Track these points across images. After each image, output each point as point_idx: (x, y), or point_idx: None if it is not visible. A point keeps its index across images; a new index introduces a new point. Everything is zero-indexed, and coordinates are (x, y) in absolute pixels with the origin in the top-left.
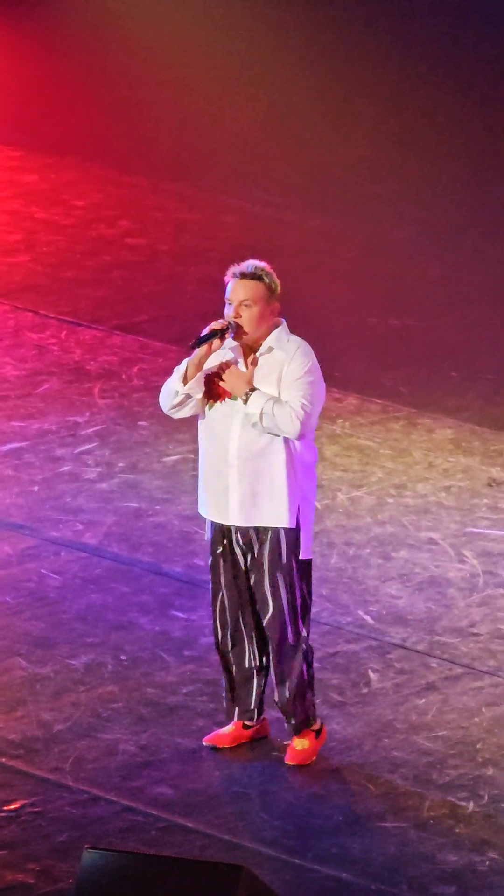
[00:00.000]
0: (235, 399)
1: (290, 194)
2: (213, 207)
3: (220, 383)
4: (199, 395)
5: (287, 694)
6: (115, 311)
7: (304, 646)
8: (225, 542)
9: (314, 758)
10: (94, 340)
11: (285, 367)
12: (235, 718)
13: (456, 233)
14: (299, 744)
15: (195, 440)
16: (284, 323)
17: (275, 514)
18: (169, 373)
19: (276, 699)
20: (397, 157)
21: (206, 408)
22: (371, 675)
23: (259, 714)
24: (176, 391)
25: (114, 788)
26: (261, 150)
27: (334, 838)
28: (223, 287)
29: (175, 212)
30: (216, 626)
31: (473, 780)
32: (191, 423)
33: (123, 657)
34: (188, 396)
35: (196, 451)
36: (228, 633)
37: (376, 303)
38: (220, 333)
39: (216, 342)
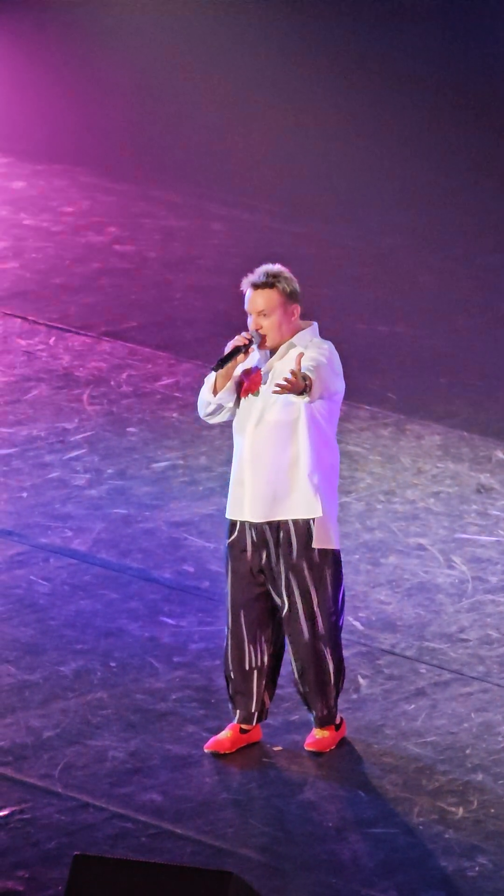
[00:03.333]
0: (257, 395)
1: (279, 201)
2: (202, 214)
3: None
4: (231, 404)
5: (307, 688)
6: (103, 318)
7: (322, 645)
8: (237, 535)
9: (333, 747)
10: (83, 347)
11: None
12: (235, 721)
13: (446, 240)
14: (320, 732)
15: (184, 446)
16: (315, 326)
17: (294, 506)
18: (157, 378)
19: (298, 691)
20: (388, 164)
21: (236, 407)
22: (361, 680)
23: (260, 718)
24: (209, 401)
25: (103, 795)
26: (250, 158)
27: (324, 844)
28: (211, 293)
29: (163, 219)
30: (226, 629)
31: (463, 785)
32: (178, 429)
33: (113, 664)
34: (220, 406)
35: (185, 457)
36: (230, 634)
37: (365, 309)
38: (244, 349)
39: (241, 356)
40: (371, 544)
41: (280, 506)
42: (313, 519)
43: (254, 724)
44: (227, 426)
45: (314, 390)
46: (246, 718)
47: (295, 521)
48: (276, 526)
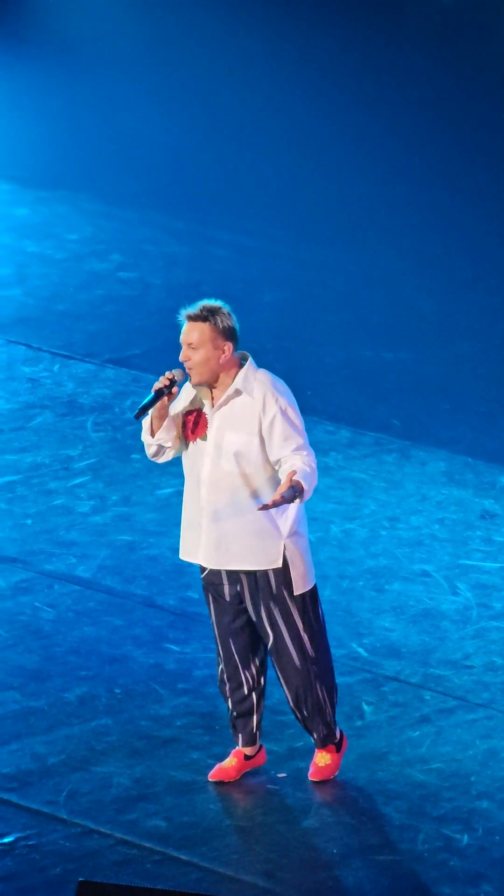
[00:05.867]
0: (205, 439)
1: (282, 226)
2: (205, 240)
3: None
4: (171, 444)
5: (305, 713)
6: (107, 345)
7: (314, 667)
8: (209, 572)
9: (336, 773)
10: (86, 374)
11: (261, 417)
12: (239, 745)
13: (449, 264)
14: (321, 759)
15: None
16: (251, 360)
17: (254, 557)
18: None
19: (297, 717)
20: (391, 189)
21: (183, 447)
22: (365, 707)
23: (259, 737)
24: (148, 444)
25: (108, 821)
26: (252, 183)
27: (329, 871)
28: None
29: (166, 245)
30: (217, 656)
31: (468, 812)
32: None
33: (117, 690)
34: (160, 447)
35: None
36: (223, 662)
37: (369, 335)
38: (166, 391)
39: (165, 399)
40: (375, 570)
41: (237, 556)
42: (274, 568)
43: (256, 744)
44: None
45: (305, 494)
46: (249, 741)
47: (257, 570)
48: (236, 573)
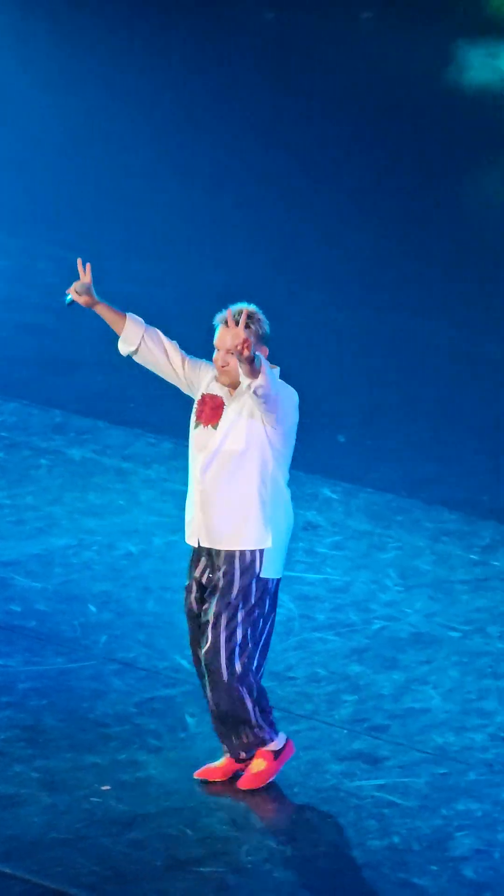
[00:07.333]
0: (216, 428)
1: (110, 241)
2: (27, 253)
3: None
4: (147, 354)
5: (221, 727)
6: None
7: (238, 685)
8: (192, 563)
9: (270, 779)
10: None
11: None
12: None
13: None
14: (256, 765)
15: (11, 486)
16: (278, 370)
17: (234, 538)
18: None
19: (214, 727)
20: (239, 200)
21: (192, 428)
22: (188, 719)
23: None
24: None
25: None
26: (80, 196)
27: (153, 883)
28: (38, 332)
29: None
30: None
31: (291, 824)
32: (5, 468)
33: None
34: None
35: (11, 497)
36: (196, 665)
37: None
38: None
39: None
40: None
41: (220, 536)
42: (248, 550)
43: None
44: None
45: (262, 375)
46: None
47: (230, 552)
48: (217, 555)
